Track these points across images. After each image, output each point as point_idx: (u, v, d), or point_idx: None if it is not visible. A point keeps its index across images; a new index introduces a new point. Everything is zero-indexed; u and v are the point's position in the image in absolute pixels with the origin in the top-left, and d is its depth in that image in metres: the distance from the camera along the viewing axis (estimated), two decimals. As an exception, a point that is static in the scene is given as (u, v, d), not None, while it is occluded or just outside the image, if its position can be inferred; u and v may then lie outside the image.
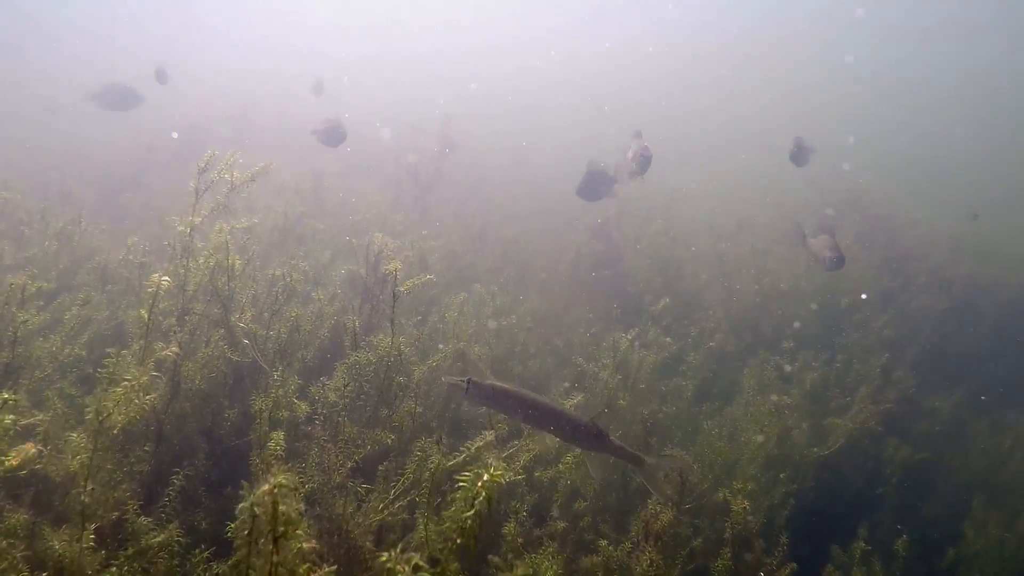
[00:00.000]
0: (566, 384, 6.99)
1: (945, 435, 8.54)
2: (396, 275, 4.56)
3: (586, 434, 4.36)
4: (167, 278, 3.77)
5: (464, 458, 4.36)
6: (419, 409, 4.73)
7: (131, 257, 6.50)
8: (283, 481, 2.16)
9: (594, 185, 8.25)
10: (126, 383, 3.51)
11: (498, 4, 52.27)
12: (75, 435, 3.57)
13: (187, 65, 26.60)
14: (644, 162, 7.30)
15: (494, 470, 2.60)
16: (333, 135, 10.38)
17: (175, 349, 3.82)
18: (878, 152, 21.66)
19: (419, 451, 4.26)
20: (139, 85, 12.46)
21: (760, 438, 6.22)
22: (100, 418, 3.42)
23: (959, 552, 6.60)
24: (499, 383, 4.40)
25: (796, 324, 9.44)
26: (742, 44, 46.92)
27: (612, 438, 4.36)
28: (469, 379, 4.35)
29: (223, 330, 4.97)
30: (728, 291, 9.83)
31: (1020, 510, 7.22)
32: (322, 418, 4.45)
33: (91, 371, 4.60)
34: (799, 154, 8.86)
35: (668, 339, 7.32)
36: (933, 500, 7.72)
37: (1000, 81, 44.60)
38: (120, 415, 3.50)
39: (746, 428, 6.60)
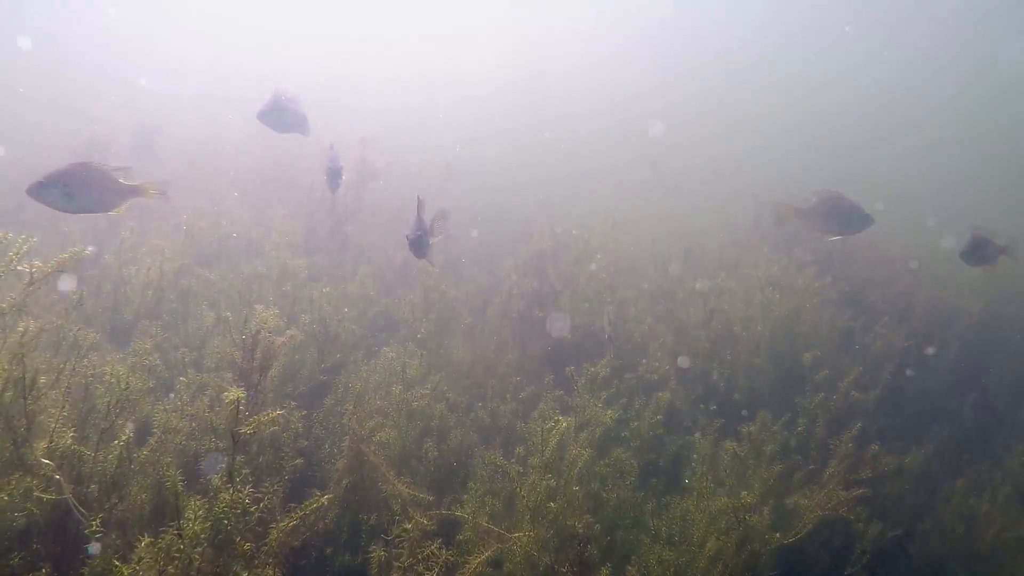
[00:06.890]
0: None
1: (914, 494, 7.74)
2: (238, 406, 3.43)
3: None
4: None
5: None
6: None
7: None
8: None
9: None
10: None
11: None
12: None
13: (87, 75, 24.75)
14: None
15: None
16: (334, 175, 8.41)
17: None
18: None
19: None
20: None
21: (714, 543, 5.27)
22: None
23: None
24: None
25: (750, 373, 8.54)
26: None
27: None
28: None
29: (20, 472, 3.78)
30: (676, 335, 8.89)
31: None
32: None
33: None
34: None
35: (609, 411, 6.31)
36: (909, 579, 6.90)
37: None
38: None
39: (699, 523, 5.65)
